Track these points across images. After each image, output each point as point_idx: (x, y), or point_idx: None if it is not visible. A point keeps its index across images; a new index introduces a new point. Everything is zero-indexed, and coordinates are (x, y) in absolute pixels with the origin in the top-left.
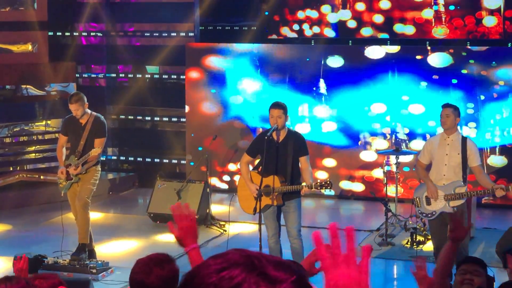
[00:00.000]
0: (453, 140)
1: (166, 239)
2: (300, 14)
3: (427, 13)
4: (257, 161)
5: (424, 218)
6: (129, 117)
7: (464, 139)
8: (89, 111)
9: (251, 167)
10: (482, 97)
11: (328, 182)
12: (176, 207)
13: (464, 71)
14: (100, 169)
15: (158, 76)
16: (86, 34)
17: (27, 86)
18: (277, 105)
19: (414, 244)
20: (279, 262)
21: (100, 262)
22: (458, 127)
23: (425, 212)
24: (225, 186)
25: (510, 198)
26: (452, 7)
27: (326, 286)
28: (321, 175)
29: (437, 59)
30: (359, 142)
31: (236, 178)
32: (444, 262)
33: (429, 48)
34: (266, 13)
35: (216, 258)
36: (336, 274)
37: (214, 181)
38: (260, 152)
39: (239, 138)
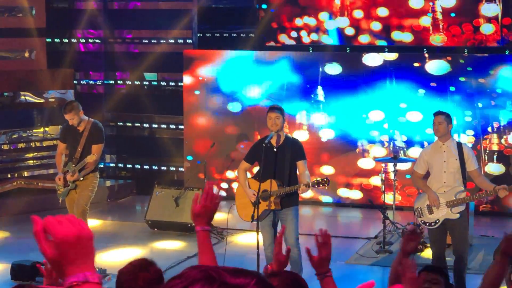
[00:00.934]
0: (449, 147)
1: (164, 246)
2: (298, 21)
3: (425, 21)
4: (255, 169)
5: (428, 227)
6: (127, 124)
7: (459, 145)
8: (86, 117)
9: (250, 175)
10: (480, 105)
11: (325, 180)
12: (209, 185)
13: (462, 79)
14: (98, 176)
15: (156, 83)
16: (84, 40)
17: (25, 93)
18: (274, 108)
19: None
20: (236, 270)
21: (97, 270)
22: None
23: (428, 221)
24: (223, 193)
25: (507, 205)
26: (451, 14)
27: None
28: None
29: (435, 67)
30: (357, 150)
31: (234, 185)
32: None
33: (426, 55)
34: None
35: (175, 278)
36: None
37: None
38: (257, 159)
39: (238, 146)
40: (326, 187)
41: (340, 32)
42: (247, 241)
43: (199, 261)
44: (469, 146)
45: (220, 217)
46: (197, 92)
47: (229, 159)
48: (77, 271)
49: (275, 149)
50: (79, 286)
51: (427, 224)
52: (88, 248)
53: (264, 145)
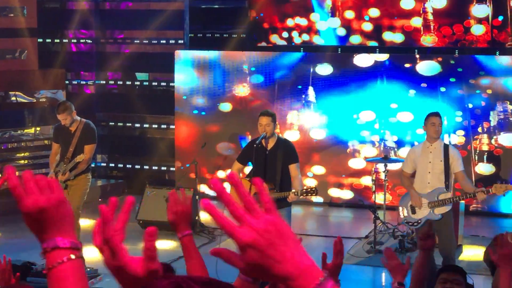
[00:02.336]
0: (436, 148)
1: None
2: (290, 22)
3: (416, 21)
4: (247, 169)
5: (411, 227)
6: (119, 124)
7: (446, 146)
8: (78, 118)
9: (242, 175)
10: (470, 105)
11: (314, 189)
12: (172, 193)
13: (453, 79)
14: (90, 177)
15: (147, 83)
16: (75, 41)
17: (16, 93)
18: (265, 113)
19: (403, 251)
20: (206, 281)
21: (89, 269)
22: None
23: (411, 221)
24: (214, 193)
25: (497, 205)
26: (440, 16)
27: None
28: (310, 183)
29: (426, 67)
30: (348, 150)
31: (225, 185)
32: (416, 272)
33: (417, 56)
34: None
35: None
36: (245, 227)
37: (203, 188)
38: (250, 160)
39: (228, 146)
40: (315, 196)
41: (332, 32)
42: None
43: (186, 267)
44: (456, 148)
45: (210, 217)
46: (188, 92)
47: (224, 155)
48: (49, 237)
49: (266, 152)
50: (48, 253)
51: (410, 223)
52: (61, 213)
53: (255, 146)
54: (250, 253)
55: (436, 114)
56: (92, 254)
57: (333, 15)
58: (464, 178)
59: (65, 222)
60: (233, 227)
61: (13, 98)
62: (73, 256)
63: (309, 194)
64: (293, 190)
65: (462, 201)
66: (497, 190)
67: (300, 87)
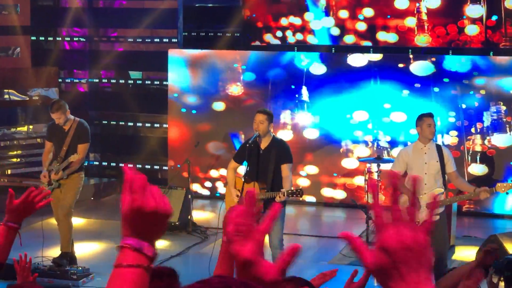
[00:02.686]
0: (430, 149)
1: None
2: (284, 21)
3: (410, 21)
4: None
5: None
6: (112, 122)
7: (439, 147)
8: (72, 117)
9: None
10: (464, 106)
11: (299, 190)
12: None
13: (446, 80)
14: (83, 176)
15: (140, 82)
16: (69, 39)
17: (9, 91)
18: (261, 111)
19: None
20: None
21: (80, 268)
22: None
23: None
24: (207, 192)
25: (489, 206)
26: (434, 16)
27: (376, 245)
28: (303, 182)
29: (419, 67)
30: (341, 150)
31: (218, 184)
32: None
33: (411, 56)
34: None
35: (198, 282)
36: (391, 232)
37: (196, 187)
38: (244, 159)
39: (221, 145)
40: (300, 198)
41: (326, 32)
42: None
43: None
44: (447, 148)
45: (204, 216)
46: (181, 91)
47: (217, 155)
48: (140, 237)
49: (260, 151)
50: (128, 250)
51: None
52: (160, 224)
53: (248, 145)
54: (383, 257)
55: (431, 115)
56: (83, 252)
57: (327, 14)
58: (458, 178)
59: (158, 233)
60: (383, 224)
61: (6, 96)
62: (145, 266)
63: (295, 195)
64: (282, 190)
65: (453, 203)
66: (500, 188)
67: (293, 86)
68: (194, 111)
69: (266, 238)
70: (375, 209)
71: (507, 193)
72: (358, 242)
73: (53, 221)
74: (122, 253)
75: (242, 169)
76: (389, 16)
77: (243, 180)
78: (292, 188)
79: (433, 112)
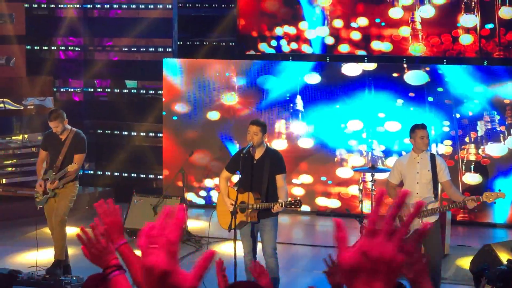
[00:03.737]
0: (423, 158)
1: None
2: (278, 30)
3: (404, 31)
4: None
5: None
6: (107, 131)
7: (432, 156)
8: (69, 127)
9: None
10: (458, 115)
11: (298, 201)
12: (99, 204)
13: (440, 89)
14: (78, 185)
15: (135, 91)
16: (64, 48)
17: (4, 100)
18: (255, 122)
19: None
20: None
21: (75, 278)
22: None
23: None
24: (201, 201)
25: (484, 215)
26: (428, 25)
27: (358, 247)
28: (297, 191)
29: (414, 77)
30: (336, 159)
31: (213, 193)
32: None
33: (405, 65)
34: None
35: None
36: (377, 241)
37: (190, 196)
38: (238, 169)
39: (217, 154)
40: (298, 209)
41: (320, 41)
42: (226, 250)
43: (131, 275)
44: (441, 158)
45: (199, 225)
46: (176, 100)
47: (211, 164)
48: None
49: (254, 161)
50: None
51: None
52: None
53: (242, 155)
54: (361, 260)
55: (423, 127)
56: (78, 261)
57: (322, 23)
58: (452, 187)
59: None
60: (372, 232)
61: (1, 105)
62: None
63: (293, 206)
64: (279, 201)
65: (449, 210)
66: (487, 198)
67: (288, 96)
68: (189, 121)
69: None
70: (372, 215)
71: (494, 203)
72: (344, 235)
73: (47, 230)
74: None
75: (235, 179)
76: (383, 24)
77: (237, 191)
78: (290, 199)
79: (427, 121)
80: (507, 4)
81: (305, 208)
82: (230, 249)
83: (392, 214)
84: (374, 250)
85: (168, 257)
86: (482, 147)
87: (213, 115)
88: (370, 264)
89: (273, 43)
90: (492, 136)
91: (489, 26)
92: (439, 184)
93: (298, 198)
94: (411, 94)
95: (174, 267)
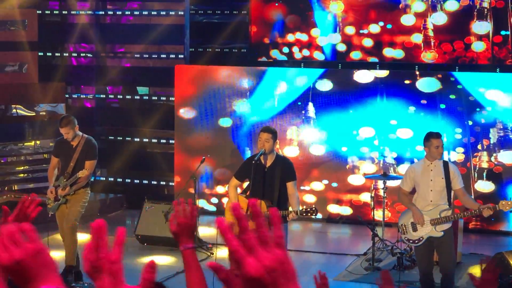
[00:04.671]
0: (436, 166)
1: None
2: (290, 37)
3: (416, 38)
4: (245, 185)
5: (411, 244)
6: (118, 138)
7: (445, 163)
8: (80, 133)
9: (239, 190)
10: (470, 122)
11: (314, 209)
12: (179, 202)
13: (452, 96)
14: (89, 191)
15: (147, 98)
16: (76, 54)
17: (17, 106)
18: (266, 129)
19: (401, 269)
20: None
21: (86, 285)
22: None
23: (412, 238)
24: (213, 208)
25: (495, 222)
26: (441, 32)
27: (243, 277)
28: (309, 199)
29: (426, 84)
30: (347, 166)
31: (225, 200)
32: None
33: (417, 72)
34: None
35: None
36: (255, 259)
37: (202, 203)
38: (247, 176)
39: (228, 161)
40: (314, 217)
41: (332, 48)
42: None
43: (186, 281)
44: (454, 165)
45: (209, 232)
46: (188, 107)
47: (223, 171)
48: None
49: (265, 169)
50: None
51: (411, 241)
52: (41, 261)
53: (253, 162)
54: (253, 285)
55: (438, 136)
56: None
57: (334, 30)
58: (465, 195)
59: (48, 269)
60: (243, 256)
61: (14, 111)
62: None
63: (309, 214)
64: (293, 209)
65: (457, 219)
66: (503, 206)
67: (300, 103)
68: (201, 127)
69: None
70: (230, 243)
71: (510, 211)
72: (224, 270)
73: (58, 236)
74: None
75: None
76: (396, 33)
77: (247, 198)
78: (305, 207)
79: (439, 129)
80: None
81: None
82: None
83: (256, 224)
84: (256, 269)
85: (110, 278)
86: (494, 154)
87: (225, 122)
88: (264, 282)
89: (285, 49)
90: (504, 143)
91: (504, 32)
92: (452, 192)
93: (314, 206)
94: (423, 101)
95: (119, 286)
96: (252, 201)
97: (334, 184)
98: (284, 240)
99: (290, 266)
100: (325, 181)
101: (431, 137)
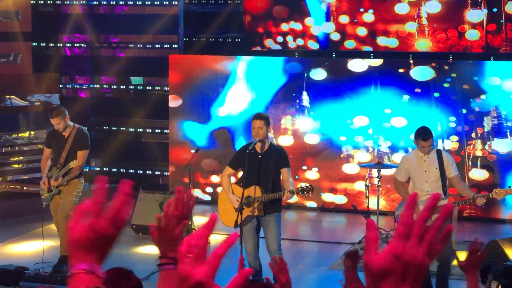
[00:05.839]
0: (429, 156)
1: (148, 251)
2: (284, 26)
3: (410, 26)
4: (240, 174)
5: None
6: (113, 128)
7: (439, 152)
8: (71, 123)
9: (234, 180)
10: (464, 111)
11: (310, 186)
12: (179, 190)
13: (446, 85)
14: (83, 181)
15: (141, 88)
16: (70, 45)
17: (11, 97)
18: (258, 117)
19: None
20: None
21: None
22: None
23: None
24: (208, 198)
25: (489, 210)
26: (434, 21)
27: (389, 249)
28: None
29: (420, 73)
30: (342, 155)
31: (219, 189)
32: None
33: (411, 61)
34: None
35: None
36: (410, 245)
37: (197, 192)
38: (242, 166)
39: (222, 150)
40: (311, 194)
41: (326, 37)
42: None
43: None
44: (448, 153)
45: (203, 221)
46: (182, 97)
47: (218, 160)
48: (87, 261)
49: (259, 156)
50: (84, 274)
51: None
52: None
53: (248, 151)
54: (392, 262)
55: (425, 139)
56: None
57: (327, 19)
58: (460, 182)
59: (105, 254)
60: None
61: (8, 102)
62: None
63: (305, 192)
64: (289, 188)
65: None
66: (497, 194)
67: (294, 92)
68: (195, 117)
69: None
70: (405, 218)
71: (503, 199)
72: (376, 236)
73: (53, 226)
74: (76, 279)
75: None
76: (390, 22)
77: (243, 188)
78: (301, 185)
79: (433, 117)
80: None
81: (311, 204)
82: (234, 246)
83: (424, 217)
84: (407, 254)
85: (209, 269)
86: (488, 142)
87: (219, 111)
88: (401, 267)
89: (279, 39)
90: (498, 131)
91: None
92: (447, 181)
93: (310, 184)
94: (417, 90)
95: (210, 280)
96: (435, 194)
97: (329, 174)
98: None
99: (421, 279)
100: (319, 170)
101: (419, 138)
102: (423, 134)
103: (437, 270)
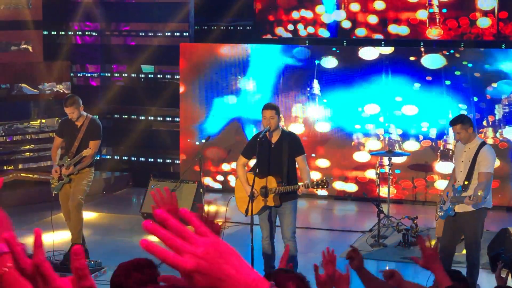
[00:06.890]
0: (470, 148)
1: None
2: (295, 14)
3: (422, 14)
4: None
5: (441, 217)
6: (124, 116)
7: (480, 146)
8: (84, 113)
9: (247, 168)
10: (475, 99)
11: (325, 181)
12: (155, 192)
13: (457, 73)
14: (93, 171)
15: (152, 76)
16: (80, 33)
17: (22, 85)
18: (269, 106)
19: (406, 245)
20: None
21: (92, 262)
22: (477, 135)
23: (440, 211)
24: (218, 186)
25: (500, 199)
26: (446, 9)
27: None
28: (315, 176)
29: (431, 60)
30: (353, 143)
31: (230, 178)
32: None
33: (422, 49)
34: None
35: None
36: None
37: (207, 181)
38: (254, 154)
39: (233, 139)
40: (326, 189)
41: (337, 25)
42: (243, 234)
43: None
44: (488, 150)
45: (213, 210)
46: (193, 85)
47: (228, 149)
48: None
49: (271, 145)
50: None
51: (440, 213)
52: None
53: (258, 139)
54: (198, 278)
55: (451, 123)
56: (95, 246)
57: (338, 7)
58: (480, 183)
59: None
60: (175, 258)
61: (19, 90)
62: None
63: (320, 187)
64: (302, 183)
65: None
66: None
67: (304, 80)
68: (206, 105)
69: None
70: (168, 241)
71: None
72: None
73: (62, 216)
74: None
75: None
76: (401, 10)
77: (254, 175)
78: (316, 179)
79: (444, 105)
80: None
81: (322, 192)
82: (247, 233)
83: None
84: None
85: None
86: (500, 130)
87: (230, 100)
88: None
89: (290, 27)
90: (510, 119)
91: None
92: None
93: (325, 178)
94: (428, 78)
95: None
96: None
97: (340, 162)
98: (205, 227)
99: (222, 245)
100: (330, 158)
101: (450, 124)
102: (451, 121)
103: (466, 257)
